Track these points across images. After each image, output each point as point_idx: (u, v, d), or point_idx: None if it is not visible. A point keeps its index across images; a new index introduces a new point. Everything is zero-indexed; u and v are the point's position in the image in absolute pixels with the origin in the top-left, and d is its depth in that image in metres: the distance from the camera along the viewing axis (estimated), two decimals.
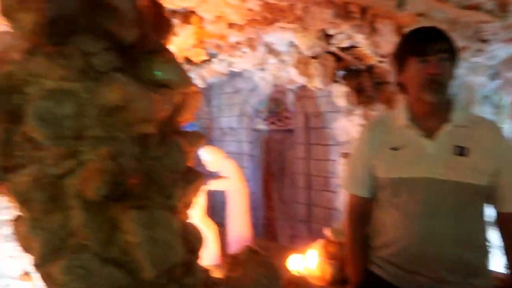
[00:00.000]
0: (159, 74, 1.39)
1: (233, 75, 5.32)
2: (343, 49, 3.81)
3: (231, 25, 3.71)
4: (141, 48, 1.42)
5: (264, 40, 4.31)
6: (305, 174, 5.11)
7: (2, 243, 3.36)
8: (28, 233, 1.34)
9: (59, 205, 1.32)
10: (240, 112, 5.91)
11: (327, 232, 3.34)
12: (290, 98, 5.17)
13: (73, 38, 1.26)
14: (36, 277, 3.33)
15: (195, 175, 1.58)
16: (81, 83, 1.26)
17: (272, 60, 4.57)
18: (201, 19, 3.50)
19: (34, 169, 1.29)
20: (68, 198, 1.31)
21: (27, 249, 1.43)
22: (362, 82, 4.03)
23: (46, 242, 1.34)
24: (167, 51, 1.48)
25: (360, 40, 3.50)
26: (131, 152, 1.33)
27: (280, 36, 4.09)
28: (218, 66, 4.93)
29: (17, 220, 1.42)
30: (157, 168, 1.44)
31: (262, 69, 4.88)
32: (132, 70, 1.37)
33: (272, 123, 5.49)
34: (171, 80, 1.41)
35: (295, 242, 5.31)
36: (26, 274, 3.36)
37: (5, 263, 3.33)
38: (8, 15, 1.22)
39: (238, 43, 4.25)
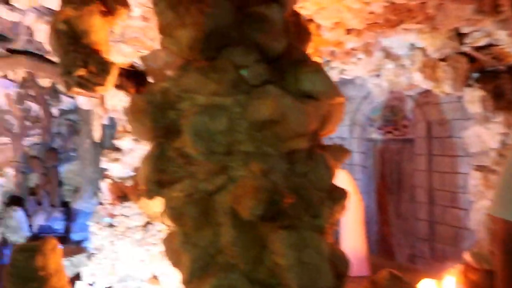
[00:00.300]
0: (307, 85, 1.30)
1: (344, 83, 5.11)
2: (478, 49, 3.38)
3: (349, 31, 3.55)
4: (286, 59, 1.35)
5: (382, 44, 4.05)
6: (426, 188, 4.64)
7: (134, 247, 3.64)
8: (179, 248, 1.35)
9: (209, 221, 1.30)
10: (351, 121, 5.65)
11: (467, 256, 2.94)
12: (409, 105, 4.78)
13: (225, 51, 1.24)
14: (163, 282, 3.53)
15: (340, 193, 1.45)
16: (232, 97, 1.23)
17: (389, 65, 4.27)
18: (318, 26, 3.40)
19: (187, 184, 1.29)
20: (219, 214, 1.29)
21: (176, 264, 1.44)
22: (501, 84, 3.51)
23: (196, 258, 1.33)
24: (313, 60, 1.39)
25: (503, 37, 3.05)
26: (281, 169, 1.25)
27: (401, 39, 3.80)
28: (329, 74, 4.78)
29: (168, 235, 1.44)
30: (304, 185, 1.34)
31: (377, 75, 4.60)
32: (279, 82, 1.31)
33: (388, 132, 5.13)
34: (319, 91, 1.32)
35: (415, 262, 4.85)
36: (155, 277, 3.58)
37: (136, 266, 3.58)
38: (165, 32, 1.25)
39: (353, 49, 4.06)
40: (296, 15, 1.56)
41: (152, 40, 3.99)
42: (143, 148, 4.26)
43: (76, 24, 1.74)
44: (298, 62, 1.35)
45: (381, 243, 5.35)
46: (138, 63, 4.16)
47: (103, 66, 1.77)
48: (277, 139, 1.22)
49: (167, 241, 1.48)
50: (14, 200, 5.25)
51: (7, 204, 5.17)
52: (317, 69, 1.33)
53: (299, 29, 1.53)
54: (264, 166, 1.20)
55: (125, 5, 1.94)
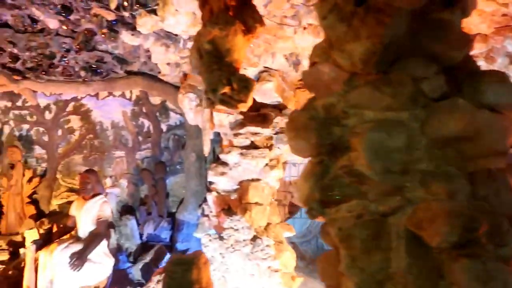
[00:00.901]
0: (491, 96, 1.16)
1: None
2: None
3: (473, 37, 3.27)
4: (462, 68, 1.23)
5: (507, 49, 3.68)
6: None
7: (243, 260, 3.66)
8: (344, 271, 1.27)
9: (380, 245, 1.21)
10: None
11: None
12: None
13: (400, 63, 1.16)
14: None
15: None
16: (409, 111, 1.14)
17: None
18: None
19: (356, 204, 1.22)
20: (391, 238, 1.19)
21: (333, 287, 1.37)
22: None
23: (362, 283, 1.24)
24: (495, 70, 1.24)
25: None
26: (465, 191, 1.12)
27: None
28: None
29: (325, 255, 1.37)
30: (486, 210, 1.19)
31: None
32: (457, 94, 1.19)
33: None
34: (507, 104, 1.17)
35: None
36: None
37: (246, 280, 3.59)
38: (336, 46, 1.20)
39: (474, 56, 3.74)
40: None
41: (258, 57, 4.07)
42: (248, 162, 4.34)
43: (221, 44, 1.80)
44: (477, 71, 1.22)
45: None
46: None
47: (245, 83, 1.80)
48: (462, 157, 1.10)
49: (323, 261, 1.42)
50: (127, 210, 5.66)
51: (121, 213, 5.59)
52: (503, 78, 1.19)
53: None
54: (449, 187, 1.09)
55: (262, 23, 1.96)
